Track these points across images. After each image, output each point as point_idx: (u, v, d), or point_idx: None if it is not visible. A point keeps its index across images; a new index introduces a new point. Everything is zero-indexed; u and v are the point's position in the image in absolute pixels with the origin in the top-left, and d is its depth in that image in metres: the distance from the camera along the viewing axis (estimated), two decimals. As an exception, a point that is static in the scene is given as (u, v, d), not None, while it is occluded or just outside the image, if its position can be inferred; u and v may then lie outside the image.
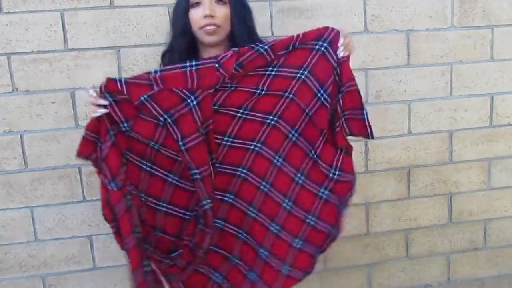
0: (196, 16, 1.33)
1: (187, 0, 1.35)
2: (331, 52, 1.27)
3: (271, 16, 1.86)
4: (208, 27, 1.32)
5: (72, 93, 1.79)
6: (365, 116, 1.34)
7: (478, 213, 2.21)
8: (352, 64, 1.93)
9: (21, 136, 1.79)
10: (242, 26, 1.36)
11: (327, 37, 1.28)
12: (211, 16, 1.31)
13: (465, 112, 2.10)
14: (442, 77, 2.05)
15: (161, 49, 1.79)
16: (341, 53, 1.27)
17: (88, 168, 1.84)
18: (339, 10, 1.91)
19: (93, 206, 1.87)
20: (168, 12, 1.78)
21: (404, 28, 1.98)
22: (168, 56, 1.43)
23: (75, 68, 1.77)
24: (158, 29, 1.79)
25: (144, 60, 1.80)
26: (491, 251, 2.27)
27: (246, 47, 1.24)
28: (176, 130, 1.21)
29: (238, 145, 1.29)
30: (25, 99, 1.77)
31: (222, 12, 1.33)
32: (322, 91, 1.28)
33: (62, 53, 1.76)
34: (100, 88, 1.21)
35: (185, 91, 1.20)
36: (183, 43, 1.37)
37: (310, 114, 1.29)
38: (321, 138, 1.32)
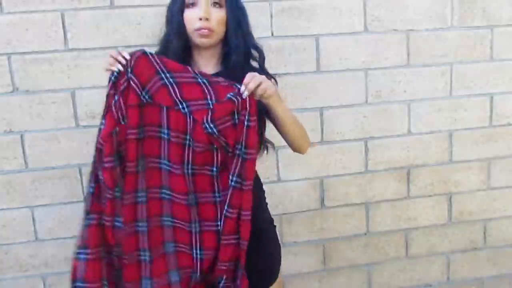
0: (191, 17, 1.29)
1: (182, 0, 1.30)
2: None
3: (271, 16, 1.87)
4: (202, 30, 1.28)
5: (72, 93, 1.79)
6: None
7: (478, 213, 2.21)
8: (353, 64, 1.95)
9: (21, 136, 1.79)
10: (237, 31, 1.32)
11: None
12: (206, 19, 1.28)
13: (465, 112, 2.10)
14: (442, 77, 2.05)
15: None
16: (245, 93, 1.21)
17: (88, 168, 1.84)
18: (339, 10, 1.92)
19: (93, 206, 1.87)
20: (168, 12, 1.79)
21: (404, 28, 1.98)
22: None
23: (75, 68, 1.78)
24: (158, 29, 1.79)
25: (144, 60, 1.80)
26: (490, 251, 2.27)
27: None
28: None
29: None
30: (25, 99, 1.77)
31: (217, 16, 1.29)
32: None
33: (62, 53, 1.76)
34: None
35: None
36: (179, 46, 1.33)
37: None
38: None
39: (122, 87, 1.21)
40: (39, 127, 1.79)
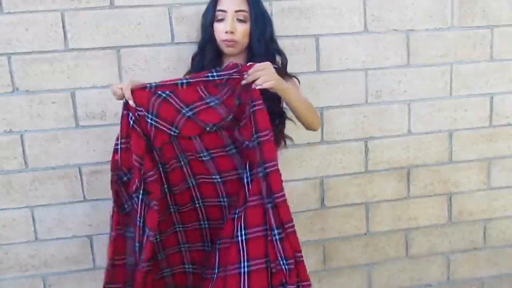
0: (219, 29, 1.50)
1: (213, 14, 1.51)
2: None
3: (271, 16, 1.86)
4: (227, 42, 1.49)
5: (72, 93, 1.79)
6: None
7: (477, 213, 2.21)
8: (353, 64, 1.96)
9: (21, 136, 1.79)
10: (260, 40, 1.52)
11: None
12: (232, 32, 1.48)
13: (465, 112, 2.10)
14: (442, 77, 2.05)
15: (161, 48, 1.81)
16: (243, 81, 1.33)
17: (88, 168, 1.85)
18: (339, 10, 1.92)
19: (93, 206, 1.87)
20: (169, 12, 1.79)
21: (404, 28, 1.98)
22: (198, 59, 1.58)
23: (75, 68, 1.78)
24: (158, 29, 1.80)
25: (144, 60, 1.80)
26: (490, 251, 2.27)
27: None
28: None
29: None
30: (25, 99, 1.77)
31: (241, 30, 1.49)
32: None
33: (62, 53, 1.76)
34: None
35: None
36: (212, 52, 1.55)
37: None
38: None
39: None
40: (39, 127, 1.79)
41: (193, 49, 1.65)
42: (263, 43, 1.52)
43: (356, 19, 1.93)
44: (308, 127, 1.53)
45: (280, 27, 1.88)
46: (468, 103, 2.10)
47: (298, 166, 2.00)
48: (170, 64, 1.80)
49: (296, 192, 2.00)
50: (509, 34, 2.07)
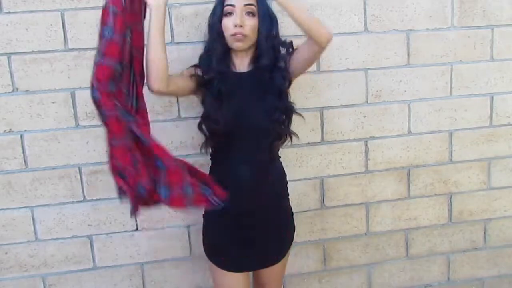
0: (228, 24, 1.51)
1: (221, 9, 1.53)
2: None
3: (271, 16, 1.86)
4: (237, 35, 1.50)
5: (72, 93, 1.79)
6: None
7: (478, 213, 2.21)
8: (353, 64, 1.95)
9: (21, 136, 1.79)
10: (267, 37, 1.54)
11: None
12: (241, 26, 1.49)
13: (465, 112, 2.10)
14: (442, 77, 2.05)
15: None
16: None
17: (88, 168, 1.85)
18: (339, 10, 1.92)
19: (93, 206, 1.87)
20: (169, 12, 1.79)
21: (404, 28, 1.98)
22: (205, 58, 1.59)
23: (75, 68, 1.78)
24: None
25: (144, 60, 1.80)
26: (491, 251, 2.27)
27: None
28: None
29: None
30: (25, 99, 1.77)
31: (250, 24, 1.51)
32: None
33: (62, 53, 1.76)
34: None
35: None
36: (219, 48, 1.55)
37: None
38: None
39: None
40: (39, 127, 1.79)
41: (193, 49, 1.65)
42: (270, 41, 1.54)
43: (356, 19, 1.94)
44: (314, 36, 1.47)
45: (280, 27, 1.86)
46: (468, 103, 2.10)
47: (298, 166, 2.00)
48: (170, 64, 1.79)
49: (296, 192, 2.00)
50: (509, 34, 2.07)
